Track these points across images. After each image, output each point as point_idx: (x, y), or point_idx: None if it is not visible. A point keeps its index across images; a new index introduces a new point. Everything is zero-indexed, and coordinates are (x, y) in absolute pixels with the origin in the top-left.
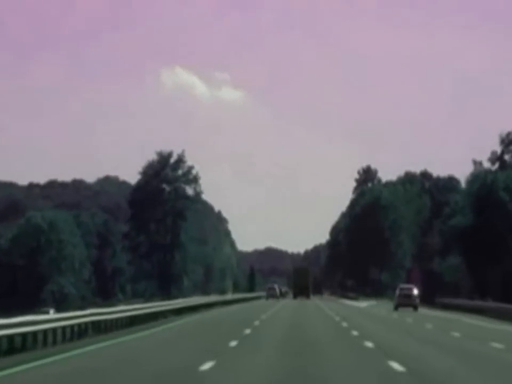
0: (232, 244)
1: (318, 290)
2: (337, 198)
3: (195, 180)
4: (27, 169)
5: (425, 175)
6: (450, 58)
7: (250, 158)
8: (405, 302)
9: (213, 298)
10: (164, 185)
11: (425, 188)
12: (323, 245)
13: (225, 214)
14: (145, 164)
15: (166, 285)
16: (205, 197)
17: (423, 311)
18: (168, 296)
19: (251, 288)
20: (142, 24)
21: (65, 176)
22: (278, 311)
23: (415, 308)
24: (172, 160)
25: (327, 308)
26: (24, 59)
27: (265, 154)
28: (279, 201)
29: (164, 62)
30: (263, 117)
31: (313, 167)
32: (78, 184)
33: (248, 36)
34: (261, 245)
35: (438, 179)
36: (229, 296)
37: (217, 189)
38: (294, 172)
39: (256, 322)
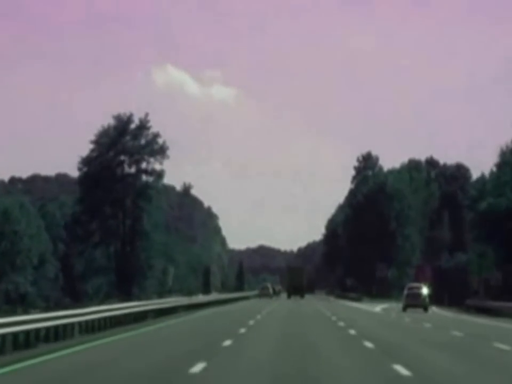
0: (222, 241)
1: (310, 290)
2: (331, 194)
3: (162, 150)
4: (9, 164)
5: (431, 162)
6: (453, 45)
7: (243, 155)
8: (414, 302)
9: (168, 301)
10: (122, 157)
11: (431, 177)
12: (317, 242)
13: (218, 212)
14: (98, 131)
15: (126, 282)
16: (194, 192)
17: (471, 319)
18: (128, 296)
19: (240, 287)
20: (133, 23)
21: (49, 171)
22: (262, 322)
23: (425, 309)
24: (133, 126)
25: (335, 316)
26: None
27: (257, 150)
28: (271, 198)
29: (155, 60)
30: (254, 113)
31: (306, 162)
32: (61, 178)
33: (238, 33)
34: (253, 243)
35: (445, 167)
36: (212, 296)
37: (209, 186)
38: (286, 168)
39: (197, 368)
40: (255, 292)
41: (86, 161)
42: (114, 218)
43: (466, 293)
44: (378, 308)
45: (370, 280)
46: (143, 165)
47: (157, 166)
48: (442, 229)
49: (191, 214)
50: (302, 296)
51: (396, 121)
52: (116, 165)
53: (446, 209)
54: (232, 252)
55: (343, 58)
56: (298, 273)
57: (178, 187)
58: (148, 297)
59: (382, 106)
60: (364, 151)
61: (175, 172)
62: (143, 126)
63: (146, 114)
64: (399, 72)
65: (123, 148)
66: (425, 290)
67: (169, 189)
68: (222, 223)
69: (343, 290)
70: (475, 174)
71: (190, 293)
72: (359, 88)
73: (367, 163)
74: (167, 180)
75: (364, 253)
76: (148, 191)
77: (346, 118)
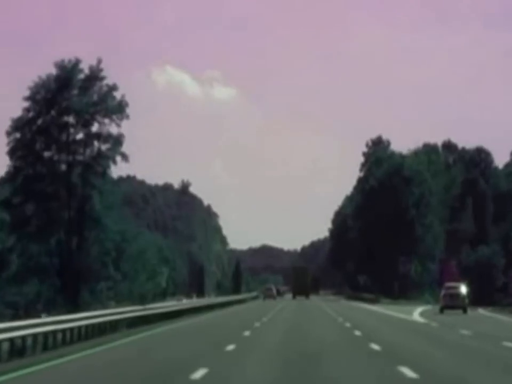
0: (223, 240)
1: (315, 290)
2: (334, 191)
3: (120, 108)
4: None
5: (448, 146)
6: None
7: (243, 154)
8: (452, 303)
9: (91, 315)
10: (66, 118)
11: (449, 162)
12: (321, 241)
13: (219, 213)
14: (34, 83)
15: (73, 286)
16: (193, 190)
17: None
18: (75, 305)
19: (236, 289)
20: (132, 24)
21: None
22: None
23: (464, 310)
24: (81, 76)
25: (377, 345)
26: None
27: (257, 149)
28: (273, 197)
29: (154, 61)
30: (254, 112)
31: (307, 160)
32: None
33: (238, 33)
34: (255, 243)
35: (464, 151)
36: (188, 302)
37: (209, 185)
38: (287, 166)
39: None
40: (253, 294)
41: (18, 125)
42: (56, 199)
43: (491, 290)
44: (415, 315)
45: (387, 277)
46: (95, 128)
47: (114, 129)
48: (465, 219)
49: (189, 213)
50: (307, 296)
51: (405, 104)
52: (58, 129)
53: (468, 197)
54: (234, 252)
55: (343, 55)
56: (303, 274)
57: (176, 185)
58: (103, 305)
59: (387, 91)
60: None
61: (173, 171)
62: (94, 76)
63: (99, 61)
64: (403, 54)
65: (67, 105)
66: (464, 290)
67: (167, 187)
68: (223, 223)
69: (354, 290)
70: (497, 159)
71: (142, 299)
72: (360, 82)
73: (377, 148)
74: (165, 179)
75: (378, 247)
76: (101, 162)
77: (345, 116)
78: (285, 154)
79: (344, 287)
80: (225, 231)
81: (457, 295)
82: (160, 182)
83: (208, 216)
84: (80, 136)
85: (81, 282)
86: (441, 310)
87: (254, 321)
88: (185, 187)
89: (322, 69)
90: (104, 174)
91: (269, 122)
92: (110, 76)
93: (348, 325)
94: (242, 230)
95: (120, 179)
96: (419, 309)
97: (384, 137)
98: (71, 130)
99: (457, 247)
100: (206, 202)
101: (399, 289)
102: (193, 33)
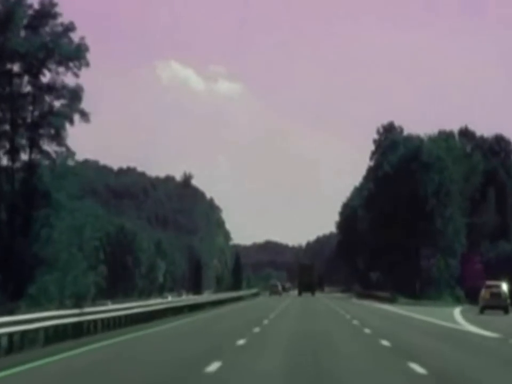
0: (226, 235)
1: (320, 287)
2: (340, 186)
3: (78, 53)
4: None
5: (465, 133)
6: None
7: (247, 148)
8: (493, 303)
9: None
10: (9, 66)
11: (466, 151)
12: (327, 236)
13: (223, 208)
14: None
15: (16, 279)
16: (195, 183)
17: None
18: (16, 304)
19: (236, 285)
20: (137, 18)
21: None
22: None
23: (505, 310)
24: (29, 12)
25: None
26: None
27: (262, 144)
28: (278, 193)
29: (159, 56)
30: (259, 107)
31: (312, 154)
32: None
33: (242, 28)
34: (260, 238)
35: (483, 139)
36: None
37: (214, 182)
38: (291, 162)
39: None
40: (253, 291)
41: None
42: None
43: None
44: (457, 317)
45: (404, 274)
46: (46, 78)
47: (70, 80)
48: (486, 212)
49: (191, 206)
50: (312, 293)
51: (418, 90)
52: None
53: (489, 188)
54: (237, 247)
55: (348, 48)
56: (308, 271)
57: (178, 177)
58: (55, 304)
59: (395, 78)
60: (382, 124)
61: (175, 164)
62: (46, 12)
63: None
64: (418, 41)
65: (11, 49)
66: (505, 288)
67: (169, 179)
68: (226, 218)
69: (365, 288)
70: None
71: (79, 299)
72: (367, 72)
73: (389, 135)
74: (166, 171)
75: (392, 240)
76: (53, 122)
77: (351, 109)
78: (289, 148)
79: (354, 284)
80: (228, 226)
81: (499, 295)
82: (162, 174)
83: (210, 209)
84: (27, 88)
85: (26, 274)
86: (482, 311)
87: (236, 338)
88: (187, 179)
89: (327, 63)
90: (57, 136)
91: (273, 117)
92: (117, 70)
93: (384, 343)
94: (246, 225)
95: (120, 170)
96: (456, 311)
97: (397, 123)
98: (16, 81)
99: (477, 242)
100: (208, 195)
101: (422, 287)
102: (198, 28)
